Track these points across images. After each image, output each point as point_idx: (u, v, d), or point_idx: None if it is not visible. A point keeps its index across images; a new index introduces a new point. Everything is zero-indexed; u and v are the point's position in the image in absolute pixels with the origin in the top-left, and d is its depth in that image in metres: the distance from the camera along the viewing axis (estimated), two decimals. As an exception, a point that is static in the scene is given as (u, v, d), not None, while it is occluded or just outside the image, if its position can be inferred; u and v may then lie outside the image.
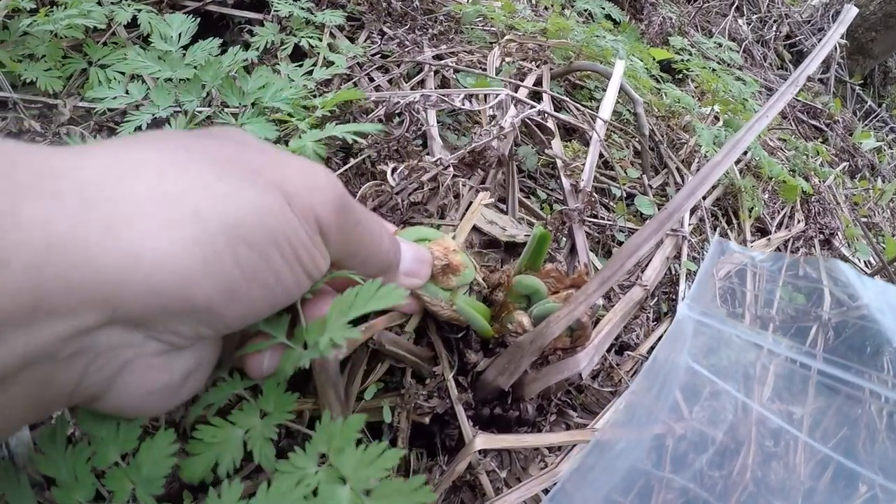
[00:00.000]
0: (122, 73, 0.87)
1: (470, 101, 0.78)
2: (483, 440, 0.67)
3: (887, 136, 2.19)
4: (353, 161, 0.75)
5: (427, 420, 0.73)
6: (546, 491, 0.68)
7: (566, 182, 0.87)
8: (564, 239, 0.86)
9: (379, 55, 1.08)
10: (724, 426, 0.85)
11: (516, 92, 0.88)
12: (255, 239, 0.34)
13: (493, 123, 0.79)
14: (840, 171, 1.64)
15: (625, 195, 1.08)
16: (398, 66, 1.05)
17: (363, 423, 0.47)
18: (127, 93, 0.81)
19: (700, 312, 0.57)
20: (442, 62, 1.04)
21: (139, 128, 0.78)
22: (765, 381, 0.92)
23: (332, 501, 0.41)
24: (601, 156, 1.14)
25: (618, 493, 0.74)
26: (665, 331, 0.95)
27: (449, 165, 0.70)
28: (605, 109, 1.01)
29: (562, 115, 0.93)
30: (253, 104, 0.80)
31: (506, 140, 0.81)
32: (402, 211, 0.66)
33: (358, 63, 1.04)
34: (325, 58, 0.97)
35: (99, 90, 0.80)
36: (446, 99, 0.76)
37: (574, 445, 0.75)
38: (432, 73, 1.01)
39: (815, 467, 0.86)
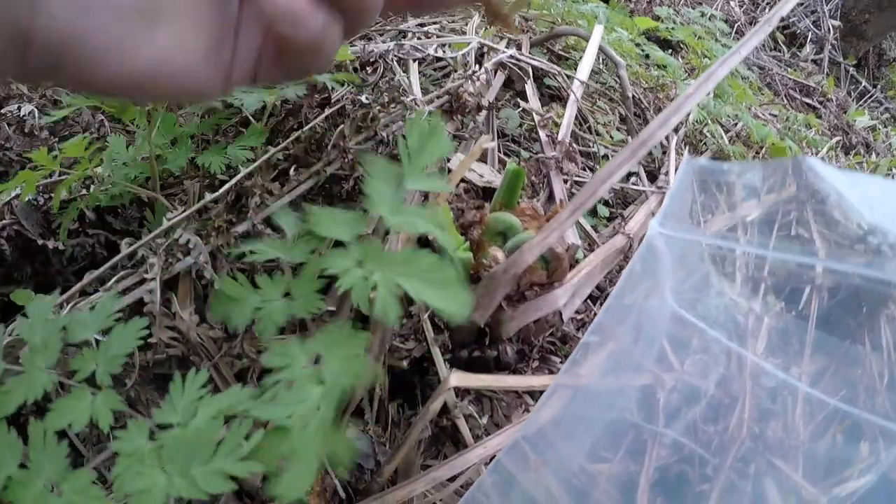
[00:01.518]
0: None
1: (443, 50, 0.79)
2: (458, 377, 0.67)
3: (882, 115, 2.18)
4: (328, 110, 0.77)
5: (405, 364, 0.73)
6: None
7: (542, 134, 0.88)
8: (543, 188, 0.86)
9: (363, 25, 1.10)
10: (717, 379, 0.83)
11: (490, 51, 0.89)
12: None
13: (467, 71, 0.80)
14: (834, 143, 1.64)
15: (608, 156, 1.09)
16: (381, 35, 1.07)
17: (366, 341, 0.47)
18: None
19: (673, 229, 0.57)
20: (424, 29, 1.05)
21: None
22: (758, 335, 0.91)
23: (300, 395, 0.42)
24: (585, 121, 1.15)
25: (604, 448, 0.73)
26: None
27: (425, 105, 0.71)
28: (584, 70, 1.02)
29: (535, 61, 0.94)
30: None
31: (483, 88, 0.82)
32: (390, 146, 0.67)
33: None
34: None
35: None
36: (420, 48, 0.77)
37: (556, 391, 0.74)
38: (414, 39, 1.03)
39: (816, 429, 0.84)
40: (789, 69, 2.01)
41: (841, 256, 0.84)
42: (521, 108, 0.97)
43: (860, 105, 2.20)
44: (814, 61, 2.25)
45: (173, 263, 0.67)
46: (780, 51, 2.20)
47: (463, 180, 0.78)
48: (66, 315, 0.47)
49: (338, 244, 0.53)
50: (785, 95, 1.87)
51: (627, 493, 0.71)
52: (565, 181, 0.84)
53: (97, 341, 0.47)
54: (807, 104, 1.92)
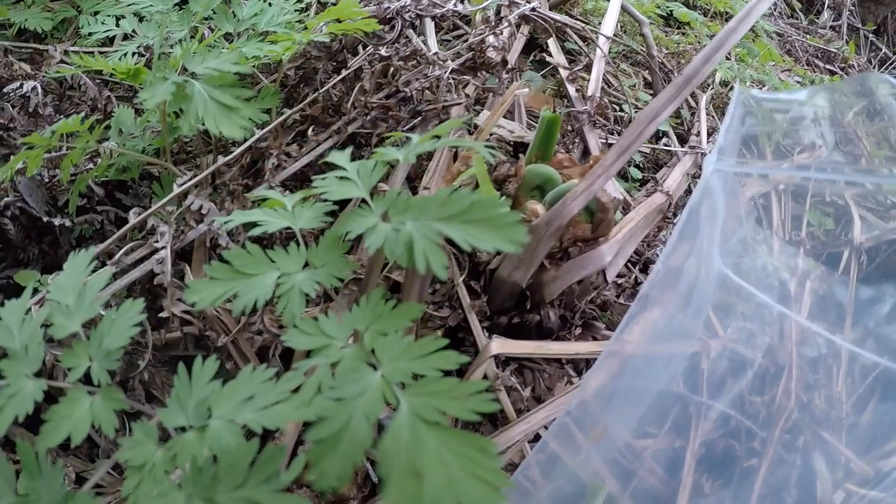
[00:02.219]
0: (113, 17, 0.86)
1: (463, 4, 0.74)
2: (499, 344, 0.62)
3: (907, 79, 2.10)
4: (344, 72, 0.72)
5: (439, 334, 0.68)
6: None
7: (571, 89, 0.83)
8: (576, 145, 0.81)
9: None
10: (762, 347, 0.77)
11: (509, 6, 0.84)
12: None
13: (487, 25, 0.75)
14: (860, 108, 1.57)
15: (635, 115, 1.03)
16: None
17: (419, 313, 0.42)
18: (118, 25, 0.79)
19: (731, 164, 0.52)
20: (437, -7, 1.00)
21: (127, 55, 0.76)
22: (801, 299, 0.85)
23: (356, 384, 0.36)
24: (609, 84, 1.10)
25: (650, 422, 0.67)
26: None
27: (447, 60, 0.66)
28: (608, 25, 0.97)
29: (557, 16, 0.89)
30: (251, 29, 0.79)
31: (507, 44, 0.77)
32: (413, 102, 0.62)
33: None
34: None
35: (93, 25, 0.79)
36: (439, 3, 0.72)
37: (605, 359, 0.68)
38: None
39: (858, 401, 0.78)
40: (808, 36, 1.95)
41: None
42: (545, 70, 0.92)
43: (882, 71, 2.13)
44: (832, 28, 2.18)
45: (185, 232, 0.62)
46: (797, 18, 2.13)
47: (493, 136, 0.73)
48: (46, 306, 0.41)
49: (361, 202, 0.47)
50: (806, 62, 1.81)
51: (673, 470, 0.65)
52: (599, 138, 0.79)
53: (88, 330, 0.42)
54: (828, 70, 1.86)
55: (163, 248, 0.58)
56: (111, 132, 0.71)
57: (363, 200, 0.43)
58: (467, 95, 0.70)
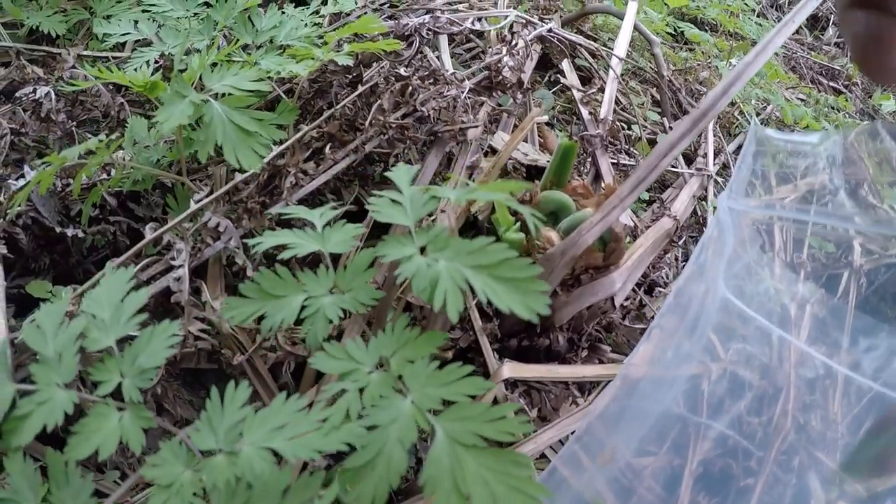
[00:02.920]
0: (129, 20, 0.85)
1: (480, 23, 0.74)
2: (511, 368, 0.63)
3: (908, 99, 2.13)
4: (361, 88, 0.72)
5: (449, 355, 0.68)
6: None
7: (585, 111, 0.83)
8: (587, 169, 0.81)
9: (388, 4, 1.06)
10: (760, 368, 0.79)
11: (525, 26, 0.84)
12: None
13: (504, 44, 0.76)
14: (864, 128, 1.59)
15: (645, 138, 1.04)
16: (408, 14, 1.03)
17: (443, 341, 0.43)
18: (136, 29, 0.78)
19: (743, 203, 0.53)
20: (453, 6, 1.01)
21: (147, 63, 0.76)
22: (801, 323, 0.86)
23: (387, 411, 0.37)
24: (618, 102, 1.10)
25: (651, 442, 0.68)
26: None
27: (464, 80, 0.66)
28: (621, 46, 0.98)
29: (572, 37, 0.90)
30: (270, 41, 0.78)
31: (520, 63, 0.77)
32: (430, 122, 0.63)
33: (365, 12, 1.01)
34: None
35: (107, 27, 0.78)
36: (456, 21, 0.73)
37: (607, 383, 0.70)
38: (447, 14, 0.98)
39: (853, 421, 0.80)
40: (812, 52, 1.97)
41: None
42: (556, 88, 0.92)
43: (885, 89, 2.15)
44: (836, 44, 2.20)
45: (202, 249, 0.62)
46: (801, 34, 2.15)
47: (510, 159, 0.73)
48: (81, 317, 0.42)
49: (383, 230, 0.47)
50: (811, 79, 1.82)
51: (671, 488, 0.67)
52: (611, 162, 0.79)
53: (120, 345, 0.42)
54: (833, 88, 1.87)
55: (180, 266, 0.58)
56: (125, 142, 0.71)
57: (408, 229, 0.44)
58: (486, 115, 0.71)
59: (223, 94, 0.62)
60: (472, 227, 0.66)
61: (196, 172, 0.77)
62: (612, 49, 0.97)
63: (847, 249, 0.96)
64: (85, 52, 0.86)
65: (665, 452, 0.69)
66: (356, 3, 0.95)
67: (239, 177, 0.64)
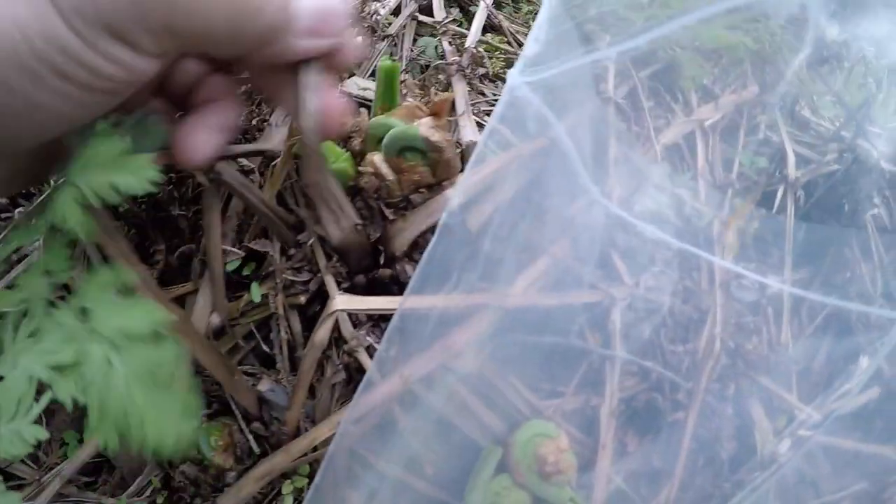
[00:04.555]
0: None
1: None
2: (343, 301, 0.57)
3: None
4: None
5: (303, 300, 0.63)
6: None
7: (444, 42, 0.78)
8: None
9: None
10: (682, 294, 0.71)
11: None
12: None
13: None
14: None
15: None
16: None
17: (123, 276, 0.38)
18: None
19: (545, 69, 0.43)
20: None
21: None
22: (726, 242, 0.79)
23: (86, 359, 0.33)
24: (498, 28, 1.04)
25: (557, 381, 0.61)
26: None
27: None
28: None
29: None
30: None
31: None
32: None
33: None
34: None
35: None
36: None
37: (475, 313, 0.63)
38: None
39: (806, 345, 0.73)
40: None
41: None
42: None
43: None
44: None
45: None
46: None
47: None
48: None
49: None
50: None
51: (590, 430, 0.59)
52: (474, 91, 0.74)
53: None
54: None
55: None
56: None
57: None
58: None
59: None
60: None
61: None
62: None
63: (781, 162, 0.89)
64: None
65: (575, 391, 0.62)
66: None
67: None
